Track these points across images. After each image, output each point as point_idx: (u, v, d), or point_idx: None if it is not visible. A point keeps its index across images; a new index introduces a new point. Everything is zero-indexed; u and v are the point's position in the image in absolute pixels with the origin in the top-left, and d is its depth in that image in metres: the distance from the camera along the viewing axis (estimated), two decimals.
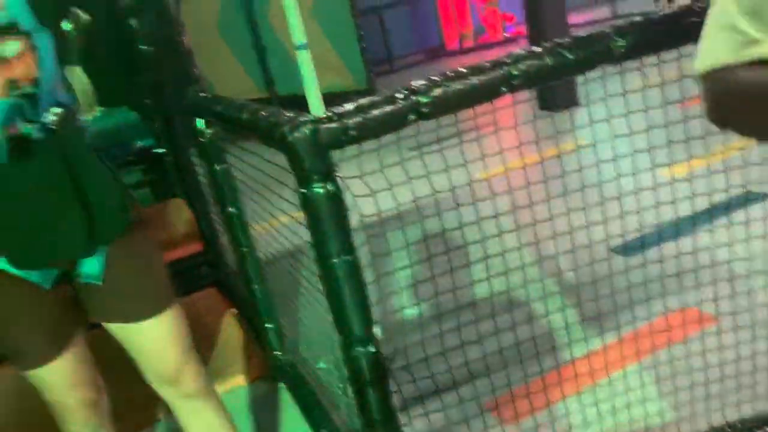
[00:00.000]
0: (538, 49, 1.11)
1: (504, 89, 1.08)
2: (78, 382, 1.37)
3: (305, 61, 2.27)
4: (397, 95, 1.04)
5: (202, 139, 1.95)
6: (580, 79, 1.19)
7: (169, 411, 1.48)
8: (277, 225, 1.95)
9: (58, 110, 1.15)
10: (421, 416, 1.34)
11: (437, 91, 1.05)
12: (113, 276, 1.30)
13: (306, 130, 0.99)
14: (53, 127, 1.14)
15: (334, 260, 1.05)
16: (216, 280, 3.02)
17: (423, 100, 1.04)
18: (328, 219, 1.03)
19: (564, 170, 1.37)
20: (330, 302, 1.11)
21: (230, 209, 2.06)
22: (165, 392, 1.46)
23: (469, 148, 1.30)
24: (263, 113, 1.16)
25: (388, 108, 1.03)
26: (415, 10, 11.42)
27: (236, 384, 2.30)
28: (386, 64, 10.13)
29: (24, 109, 1.12)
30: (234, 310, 2.73)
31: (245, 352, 2.43)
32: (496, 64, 1.09)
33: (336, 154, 1.04)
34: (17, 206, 1.19)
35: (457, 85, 1.06)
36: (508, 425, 1.54)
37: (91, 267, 1.29)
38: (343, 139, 1.01)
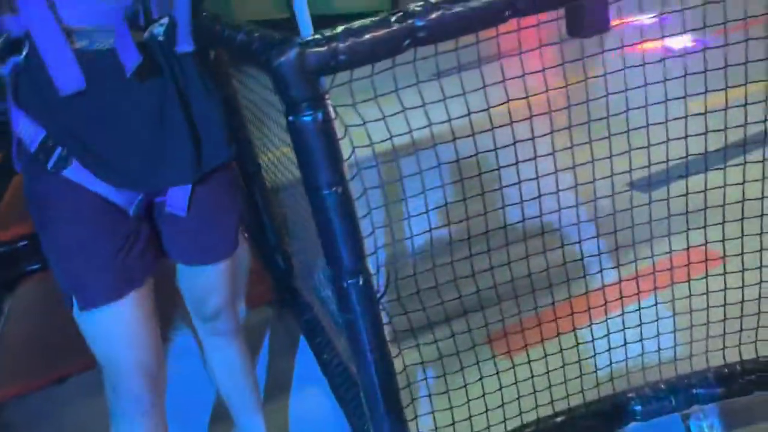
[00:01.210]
0: None
1: (508, 13, 1.01)
2: (138, 340, 1.21)
3: None
4: (391, 18, 0.98)
5: (205, 60, 1.89)
6: None
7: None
8: (287, 154, 1.91)
9: (165, 21, 1.13)
10: (413, 348, 1.34)
11: (435, 14, 0.99)
12: (198, 210, 1.25)
13: (291, 54, 0.94)
14: (160, 38, 1.12)
15: (324, 192, 1.02)
16: None
17: (419, 23, 0.98)
18: (316, 149, 1.00)
19: (588, 97, 1.30)
20: (320, 235, 1.09)
21: (237, 132, 2.03)
22: (198, 326, 1.49)
23: (486, 73, 1.23)
24: (255, 35, 1.10)
25: (381, 32, 0.97)
26: None
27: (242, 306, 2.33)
28: None
29: (138, 15, 1.11)
30: (244, 234, 2.74)
31: (253, 276, 2.44)
32: None
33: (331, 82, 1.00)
34: (128, 125, 1.14)
35: (457, 8, 1.00)
36: (506, 357, 1.54)
37: (176, 197, 1.23)
38: (333, 64, 0.96)
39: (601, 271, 1.56)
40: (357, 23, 0.98)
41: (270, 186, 2.22)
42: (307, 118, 0.98)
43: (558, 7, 1.07)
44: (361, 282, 1.09)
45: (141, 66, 1.10)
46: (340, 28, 0.97)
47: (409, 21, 0.98)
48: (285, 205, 2.25)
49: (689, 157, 1.39)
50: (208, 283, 1.38)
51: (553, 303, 1.48)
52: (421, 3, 1.00)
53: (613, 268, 1.60)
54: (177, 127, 1.17)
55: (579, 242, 1.50)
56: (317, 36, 0.97)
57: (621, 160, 1.39)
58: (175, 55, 1.16)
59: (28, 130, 1.14)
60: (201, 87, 1.21)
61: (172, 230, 1.29)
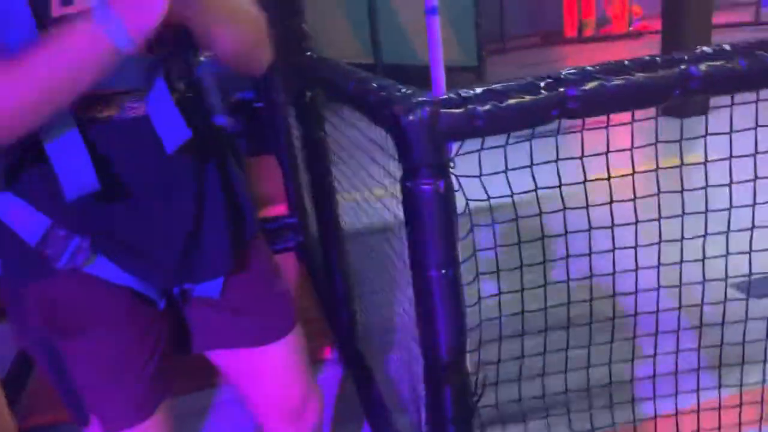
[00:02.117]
0: (727, 47, 0.87)
1: (678, 92, 0.86)
2: None
3: (434, 28, 2.01)
4: (540, 83, 0.84)
5: (301, 101, 1.80)
6: None
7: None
8: (369, 199, 1.78)
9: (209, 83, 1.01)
10: None
11: (590, 85, 0.84)
12: (234, 288, 1.05)
13: (423, 113, 0.81)
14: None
15: (432, 273, 0.87)
16: (297, 245, 2.91)
17: (572, 93, 0.83)
18: (433, 223, 0.85)
19: (683, 186, 1.12)
20: (419, 318, 0.94)
21: (320, 178, 1.92)
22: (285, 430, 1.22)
23: (571, 144, 1.06)
24: (373, 85, 0.98)
25: (528, 98, 0.83)
26: None
27: None
28: (499, 42, 9.75)
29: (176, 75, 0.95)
30: (311, 279, 2.62)
31: (315, 328, 2.31)
32: (671, 61, 0.86)
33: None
34: (164, 207, 0.94)
35: (617, 81, 0.85)
36: None
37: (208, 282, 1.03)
38: (467, 129, 0.82)
39: (698, 390, 1.35)
40: (499, 86, 0.84)
41: (345, 232, 2.09)
42: (427, 187, 0.84)
43: (732, 92, 0.91)
44: (457, 383, 0.93)
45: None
46: (479, 89, 0.83)
47: (561, 89, 0.84)
48: (360, 256, 2.12)
49: None
50: (281, 366, 1.15)
51: (633, 420, 1.28)
52: (574, 70, 0.86)
53: (712, 388, 1.39)
54: (217, 209, 0.99)
55: (676, 352, 1.31)
56: (452, 95, 0.83)
57: (720, 260, 1.19)
58: (213, 122, 1.01)
59: (23, 219, 0.89)
60: (234, 160, 1.06)
61: (205, 318, 1.07)
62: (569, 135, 0.90)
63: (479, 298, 0.95)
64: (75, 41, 0.77)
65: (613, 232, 1.10)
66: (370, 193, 1.68)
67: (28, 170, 0.89)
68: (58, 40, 0.78)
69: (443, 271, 0.87)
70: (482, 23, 6.87)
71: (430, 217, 0.85)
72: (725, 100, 0.94)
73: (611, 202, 1.04)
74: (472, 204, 0.91)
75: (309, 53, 1.64)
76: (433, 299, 0.89)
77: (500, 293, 1.01)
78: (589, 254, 1.16)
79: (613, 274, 1.13)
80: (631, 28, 10.25)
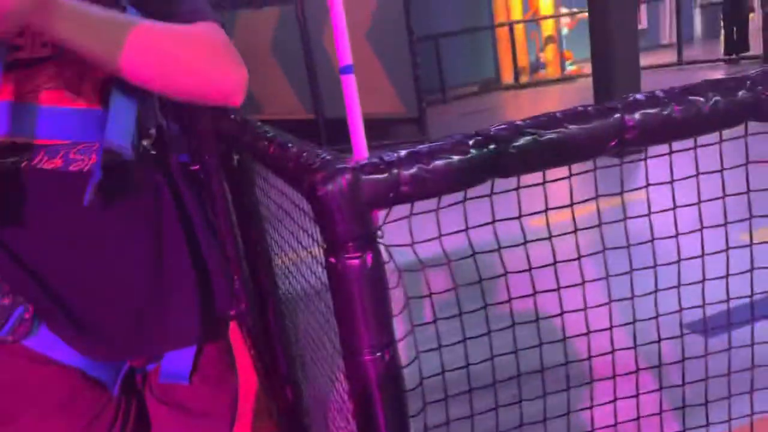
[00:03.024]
0: (660, 94, 0.83)
1: (614, 143, 0.81)
2: None
3: (351, 88, 1.96)
4: (469, 141, 0.78)
5: (229, 164, 1.71)
6: None
7: None
8: (303, 262, 1.69)
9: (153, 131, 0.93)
10: None
11: (523, 141, 0.78)
12: (203, 373, 0.97)
13: (341, 181, 0.73)
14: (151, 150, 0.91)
15: (365, 357, 0.78)
16: (236, 315, 2.77)
17: (507, 150, 0.77)
18: (361, 300, 0.77)
19: (626, 226, 1.07)
20: (356, 403, 0.84)
21: (254, 243, 1.82)
22: None
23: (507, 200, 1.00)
24: (292, 150, 0.90)
25: (456, 158, 0.77)
26: (472, 41, 11.24)
27: None
28: (439, 93, 9.95)
29: None
30: (252, 352, 2.48)
31: (259, 406, 2.16)
32: (604, 111, 0.81)
33: None
34: (115, 271, 0.85)
35: (551, 135, 0.79)
36: None
37: (176, 361, 0.94)
38: (392, 196, 0.75)
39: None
40: (425, 147, 0.77)
41: (284, 297, 1.98)
42: (353, 261, 0.76)
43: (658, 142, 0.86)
44: None
45: (123, 186, 0.84)
46: (403, 152, 0.76)
47: (491, 146, 0.78)
48: (298, 325, 2.01)
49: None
50: None
51: None
52: (501, 125, 0.80)
53: None
54: (182, 271, 0.91)
55: (637, 395, 1.24)
56: (374, 159, 0.76)
57: (670, 297, 1.15)
58: (170, 172, 0.93)
59: None
60: (202, 216, 0.98)
61: (170, 408, 0.98)
62: (504, 193, 0.83)
63: (421, 380, 0.86)
64: None
65: (557, 273, 1.04)
66: (304, 256, 1.59)
67: None
68: None
69: (379, 354, 0.78)
70: (420, 74, 6.97)
71: (360, 295, 0.77)
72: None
73: (554, 263, 0.98)
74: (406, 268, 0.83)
75: (232, 115, 1.57)
76: (368, 387, 0.79)
77: (443, 372, 0.92)
78: (533, 294, 1.09)
79: (561, 314, 1.07)
80: (564, 73, 10.62)
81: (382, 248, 0.78)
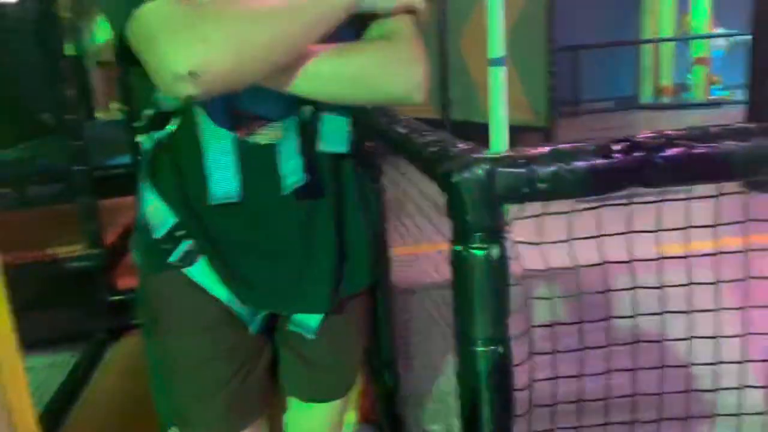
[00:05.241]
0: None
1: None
2: None
3: (497, 80, 1.90)
4: (614, 146, 0.75)
5: (359, 150, 1.76)
6: None
7: None
8: (425, 253, 1.70)
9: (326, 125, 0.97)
10: None
11: (673, 152, 0.75)
12: (327, 336, 1.04)
13: (479, 170, 0.73)
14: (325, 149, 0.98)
15: (479, 348, 0.77)
16: None
17: (653, 159, 0.74)
18: (482, 292, 0.76)
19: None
20: (462, 395, 0.84)
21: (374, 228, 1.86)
22: None
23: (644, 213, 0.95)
24: (427, 138, 0.91)
25: (599, 161, 0.74)
26: (613, 56, 10.78)
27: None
28: (572, 105, 9.64)
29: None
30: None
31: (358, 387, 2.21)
32: (766, 130, 0.76)
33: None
34: (270, 237, 0.96)
35: (702, 148, 0.75)
36: None
37: (307, 315, 1.03)
38: (528, 192, 0.74)
39: None
40: (568, 146, 0.76)
41: (397, 287, 2.00)
42: (479, 252, 0.76)
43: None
44: None
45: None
46: (546, 148, 0.75)
47: (637, 154, 0.75)
48: (408, 313, 2.03)
49: None
50: (315, 426, 1.15)
51: None
52: (653, 134, 0.77)
53: None
54: (325, 249, 0.98)
55: None
56: (513, 153, 0.75)
57: None
58: (333, 160, 0.99)
59: (158, 213, 0.96)
60: (358, 200, 1.03)
61: (293, 356, 1.07)
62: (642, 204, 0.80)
63: (531, 382, 0.85)
64: None
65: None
66: (427, 246, 1.60)
67: (169, 162, 0.95)
68: None
69: (492, 348, 0.77)
70: (556, 85, 6.79)
71: (480, 287, 0.76)
72: None
73: (688, 284, 0.93)
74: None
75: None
76: (477, 377, 0.79)
77: (557, 377, 0.90)
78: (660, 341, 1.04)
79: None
80: (711, 98, 9.95)
81: (508, 243, 0.78)
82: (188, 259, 0.96)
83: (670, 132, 0.77)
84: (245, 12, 0.77)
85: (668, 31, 10.13)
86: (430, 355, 1.80)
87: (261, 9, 0.78)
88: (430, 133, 0.96)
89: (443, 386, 1.39)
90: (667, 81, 10.20)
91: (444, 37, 7.03)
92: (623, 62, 10.82)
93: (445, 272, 1.15)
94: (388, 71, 0.90)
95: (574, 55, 9.48)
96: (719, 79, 10.00)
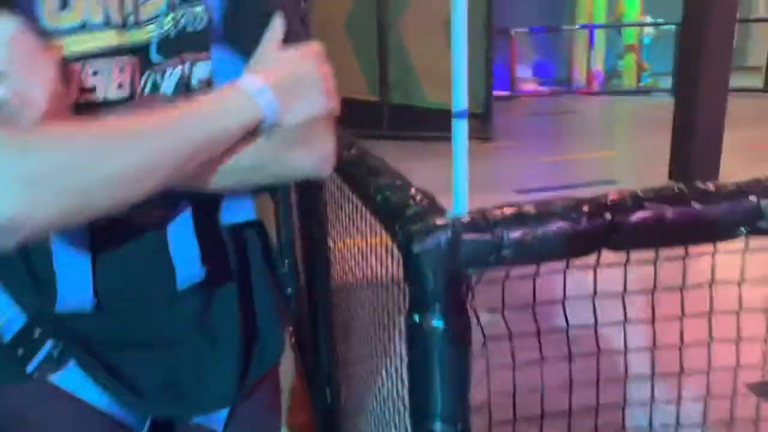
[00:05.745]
0: None
1: (745, 229, 0.72)
2: None
3: (460, 134, 1.79)
4: (584, 208, 0.70)
5: None
6: None
7: None
8: (363, 250, 1.62)
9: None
10: None
11: (643, 214, 0.70)
12: (242, 421, 0.91)
13: (441, 238, 0.66)
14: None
15: (435, 427, 0.72)
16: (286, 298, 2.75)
17: (622, 222, 0.69)
18: (440, 366, 0.70)
19: None
20: None
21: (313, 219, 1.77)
22: None
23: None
24: (383, 181, 0.84)
25: (566, 225, 0.69)
26: (546, 41, 10.93)
27: None
28: (507, 90, 9.73)
29: None
30: (292, 339, 2.46)
31: (294, 397, 2.14)
32: (735, 193, 0.73)
33: None
34: (159, 325, 0.82)
35: (672, 211, 0.71)
36: None
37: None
38: (492, 259, 0.68)
39: None
40: (532, 208, 0.70)
41: (336, 285, 1.92)
42: (438, 323, 0.69)
43: None
44: None
45: None
46: (509, 210, 0.69)
47: (606, 217, 0.70)
48: (352, 315, 1.95)
49: None
50: None
51: None
52: (620, 196, 0.72)
53: None
54: (227, 337, 0.85)
55: None
56: (475, 215, 0.69)
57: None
58: (237, 230, 0.85)
59: (2, 309, 0.78)
60: (263, 268, 0.90)
61: None
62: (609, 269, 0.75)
63: None
64: (219, 107, 0.69)
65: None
66: (367, 241, 1.51)
67: (17, 261, 0.76)
68: (192, 105, 0.69)
69: (451, 427, 0.72)
70: (492, 70, 6.81)
71: (440, 361, 0.70)
72: None
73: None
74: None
75: None
76: None
77: None
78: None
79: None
80: (640, 85, 10.24)
81: (471, 312, 0.72)
82: (51, 366, 0.78)
83: (640, 193, 0.72)
84: (98, 135, 0.61)
85: (601, 17, 10.33)
86: (372, 359, 1.74)
87: (121, 130, 0.62)
88: (383, 173, 0.88)
89: (384, 393, 1.34)
90: (598, 67, 10.43)
91: (383, 17, 6.92)
92: (557, 48, 10.99)
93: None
94: (293, 155, 0.76)
95: (507, 39, 9.54)
96: (648, 66, 10.29)
